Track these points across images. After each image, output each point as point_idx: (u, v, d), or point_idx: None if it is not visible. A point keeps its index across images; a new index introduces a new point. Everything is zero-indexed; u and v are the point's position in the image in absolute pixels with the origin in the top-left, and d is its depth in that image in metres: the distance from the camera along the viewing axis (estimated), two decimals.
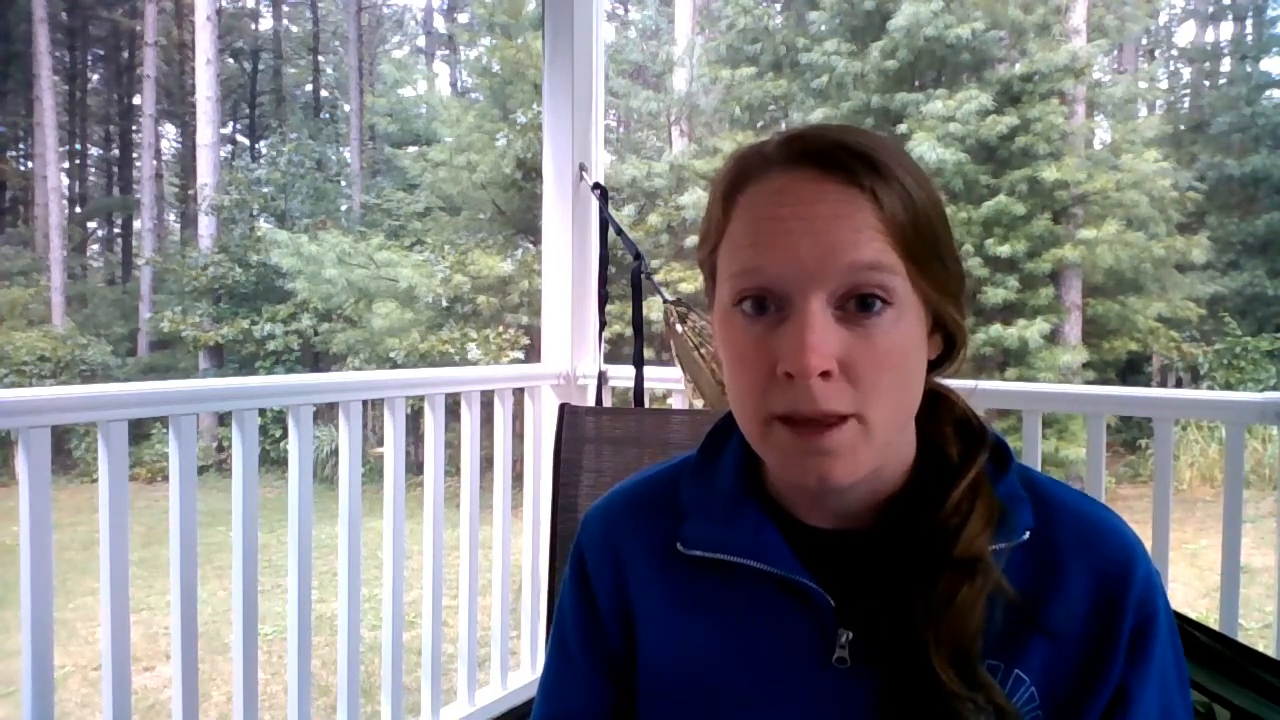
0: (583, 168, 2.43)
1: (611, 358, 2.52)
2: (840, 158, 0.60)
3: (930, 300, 0.63)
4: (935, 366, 0.68)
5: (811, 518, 0.68)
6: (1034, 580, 0.64)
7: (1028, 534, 0.64)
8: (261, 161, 16.89)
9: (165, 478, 1.97)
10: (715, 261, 0.66)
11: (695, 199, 9.31)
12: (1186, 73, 15.98)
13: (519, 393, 2.45)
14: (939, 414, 0.69)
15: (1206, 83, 14.90)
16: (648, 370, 2.26)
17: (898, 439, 0.65)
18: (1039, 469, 0.77)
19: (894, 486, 0.67)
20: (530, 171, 10.16)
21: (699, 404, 2.09)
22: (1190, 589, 5.79)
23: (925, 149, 8.25)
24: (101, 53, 19.24)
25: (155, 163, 15.55)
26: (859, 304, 0.59)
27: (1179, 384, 11.12)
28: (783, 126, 10.31)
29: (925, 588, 0.62)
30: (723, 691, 0.67)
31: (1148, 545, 0.73)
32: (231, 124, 19.34)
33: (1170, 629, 0.66)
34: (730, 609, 0.68)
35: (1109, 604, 0.63)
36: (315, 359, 12.11)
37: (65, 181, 17.48)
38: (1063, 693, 0.63)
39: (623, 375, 2.35)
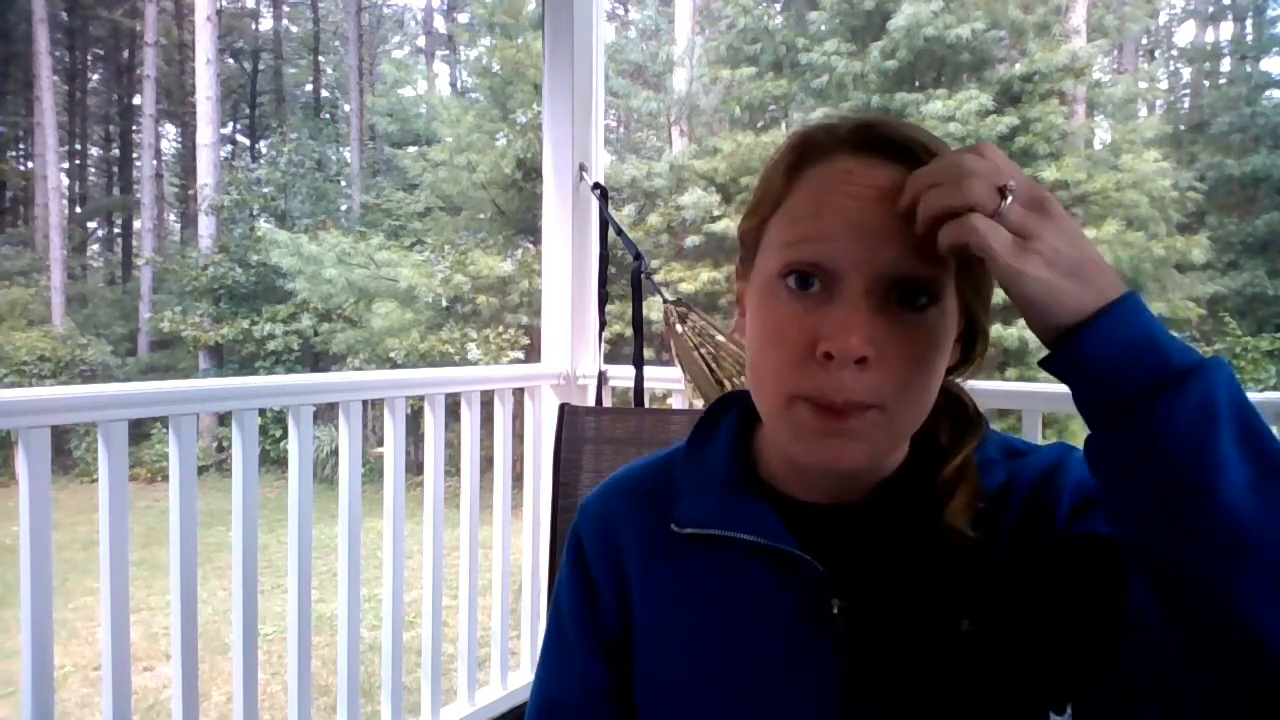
0: (583, 168, 2.43)
1: (611, 358, 2.52)
2: (912, 150, 0.61)
3: (968, 305, 0.63)
4: (949, 371, 0.69)
5: (804, 494, 0.69)
6: (1004, 528, 0.66)
7: (996, 489, 0.67)
8: (261, 161, 16.89)
9: (165, 478, 1.98)
10: (764, 232, 0.65)
11: (695, 199, 9.30)
12: (1186, 73, 15.99)
13: (519, 393, 2.45)
14: (935, 401, 0.70)
15: (1206, 83, 14.91)
16: (648, 370, 2.26)
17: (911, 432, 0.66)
18: None
19: (887, 467, 0.68)
20: (530, 171, 10.15)
21: (699, 404, 2.09)
22: None
23: None
24: (101, 53, 19.24)
25: (155, 163, 15.55)
26: (903, 297, 0.59)
27: None
28: (783, 127, 10.34)
29: (911, 557, 0.64)
30: (718, 667, 0.69)
31: None
32: (231, 124, 19.35)
33: None
34: (724, 585, 0.70)
35: (1045, 499, 0.65)
36: (315, 359, 12.11)
37: (65, 181, 17.48)
38: (1041, 638, 0.64)
39: (623, 375, 2.34)
